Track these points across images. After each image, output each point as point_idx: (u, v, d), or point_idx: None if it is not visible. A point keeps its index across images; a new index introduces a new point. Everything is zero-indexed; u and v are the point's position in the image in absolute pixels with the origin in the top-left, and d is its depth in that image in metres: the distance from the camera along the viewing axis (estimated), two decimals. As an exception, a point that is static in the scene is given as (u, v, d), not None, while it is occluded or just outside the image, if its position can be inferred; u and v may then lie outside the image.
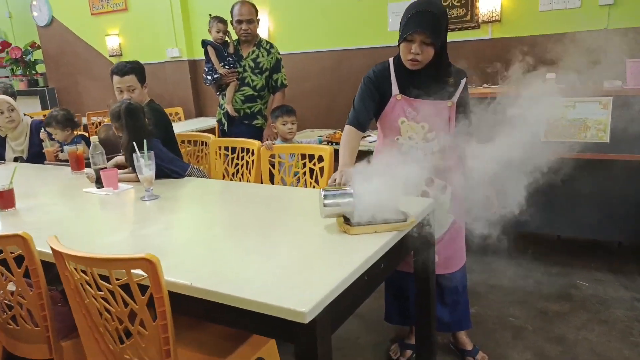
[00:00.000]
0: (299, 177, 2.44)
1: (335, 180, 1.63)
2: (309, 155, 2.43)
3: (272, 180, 2.51)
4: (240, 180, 2.71)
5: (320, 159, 2.36)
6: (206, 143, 2.91)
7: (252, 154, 2.63)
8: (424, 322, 1.86)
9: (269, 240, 1.46)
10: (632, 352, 2.00)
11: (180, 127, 4.13)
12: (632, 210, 2.46)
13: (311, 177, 2.40)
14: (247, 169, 2.68)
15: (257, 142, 2.59)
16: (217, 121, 3.58)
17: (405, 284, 1.96)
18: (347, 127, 1.83)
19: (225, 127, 3.42)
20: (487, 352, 2.05)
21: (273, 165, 2.51)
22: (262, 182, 2.54)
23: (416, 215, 1.57)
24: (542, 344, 2.10)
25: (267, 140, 3.05)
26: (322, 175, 2.32)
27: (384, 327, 2.20)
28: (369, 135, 3.21)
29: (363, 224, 1.44)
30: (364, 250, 1.32)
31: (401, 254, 1.51)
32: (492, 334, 2.21)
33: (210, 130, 4.02)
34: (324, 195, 1.45)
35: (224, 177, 2.78)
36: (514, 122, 2.02)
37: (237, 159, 2.73)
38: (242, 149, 2.70)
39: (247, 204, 1.87)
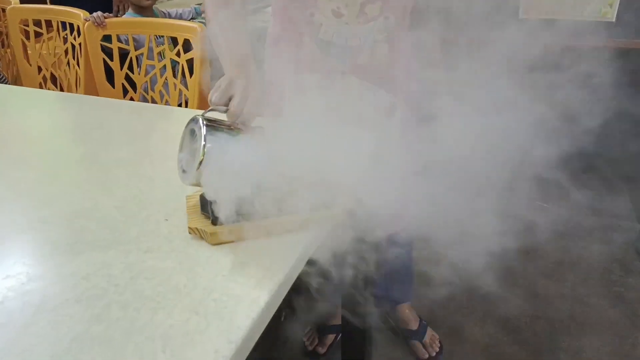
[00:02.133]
0: (155, 77, 1.51)
1: (220, 93, 0.66)
2: (171, 38, 1.49)
3: (111, 82, 1.56)
4: (65, 79, 1.72)
5: (188, 45, 1.44)
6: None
7: (79, 33, 1.61)
8: (355, 300, 1.21)
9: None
10: (618, 313, 1.54)
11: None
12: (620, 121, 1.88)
13: (177, 76, 1.49)
14: (75, 59, 1.68)
15: (80, 14, 1.56)
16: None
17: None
18: None
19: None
20: (434, 325, 1.48)
21: (112, 55, 1.53)
22: (98, 91, 1.57)
23: (353, 175, 0.81)
24: (505, 307, 1.57)
25: (115, 9, 2.00)
26: (191, 75, 1.42)
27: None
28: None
29: (241, 217, 0.66)
30: (242, 295, 0.56)
31: (318, 270, 0.76)
32: (438, 293, 1.64)
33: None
34: (203, 136, 0.62)
35: (40, 73, 1.76)
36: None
37: (59, 40, 1.70)
38: (64, 26, 1.66)
39: (36, 153, 0.98)
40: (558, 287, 1.64)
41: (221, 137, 0.64)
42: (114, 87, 1.54)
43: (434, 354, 1.38)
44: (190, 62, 1.43)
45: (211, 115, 0.66)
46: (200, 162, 0.61)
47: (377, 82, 1.05)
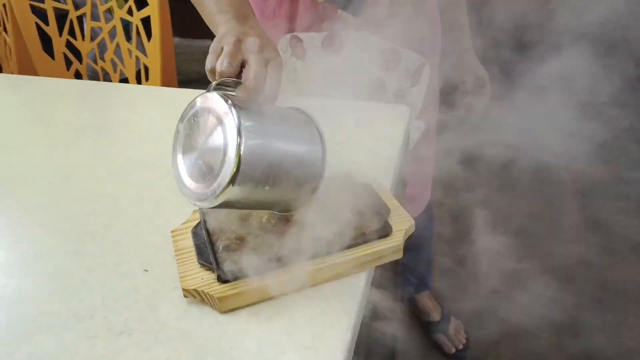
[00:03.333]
0: (104, 42, 1.21)
1: (224, 60, 0.44)
2: (121, -9, 1.19)
3: (49, 51, 1.25)
4: (3, 49, 1.40)
5: (142, 0, 1.14)
6: None
7: (1, -8, 1.28)
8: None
9: None
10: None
11: None
12: None
13: (131, 40, 1.20)
14: (1, 26, 1.35)
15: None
16: None
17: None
18: None
19: None
20: (456, 312, 1.32)
21: (46, 18, 1.22)
22: (34, 64, 1.27)
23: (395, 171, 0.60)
24: (546, 292, 1.41)
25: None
26: (149, 37, 1.13)
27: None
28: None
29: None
30: None
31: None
32: (458, 282, 1.48)
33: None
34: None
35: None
36: None
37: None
38: (-20, -18, 1.32)
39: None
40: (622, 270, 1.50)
41: (256, 126, 0.40)
42: (53, 58, 1.24)
43: (460, 346, 1.23)
44: (146, 21, 1.14)
45: (215, 92, 0.42)
46: (237, 171, 0.38)
47: (397, 39, 0.82)
